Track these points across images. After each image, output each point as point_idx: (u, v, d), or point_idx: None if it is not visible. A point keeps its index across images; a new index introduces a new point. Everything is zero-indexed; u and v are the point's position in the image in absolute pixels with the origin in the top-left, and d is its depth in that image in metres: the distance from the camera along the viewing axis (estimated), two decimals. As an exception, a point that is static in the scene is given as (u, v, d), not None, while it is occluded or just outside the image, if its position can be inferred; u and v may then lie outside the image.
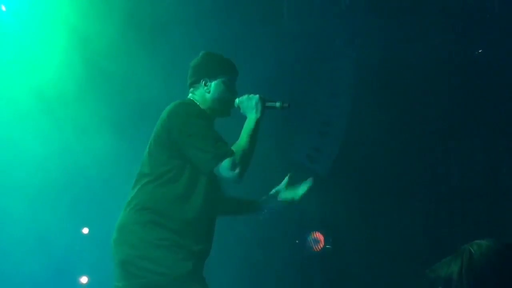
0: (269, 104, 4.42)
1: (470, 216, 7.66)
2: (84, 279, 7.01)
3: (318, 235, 7.73)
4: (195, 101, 4.46)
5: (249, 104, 4.37)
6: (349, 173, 7.79)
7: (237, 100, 4.43)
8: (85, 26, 6.35)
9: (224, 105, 4.46)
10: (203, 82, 4.45)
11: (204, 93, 4.45)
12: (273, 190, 4.76)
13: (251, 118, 4.34)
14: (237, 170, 4.15)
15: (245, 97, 4.41)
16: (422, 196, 7.81)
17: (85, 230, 7.04)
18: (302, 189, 4.67)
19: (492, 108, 7.52)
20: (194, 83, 4.50)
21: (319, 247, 7.73)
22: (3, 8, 6.38)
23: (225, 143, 4.23)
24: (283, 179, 4.77)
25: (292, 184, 4.72)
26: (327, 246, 7.75)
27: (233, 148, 4.20)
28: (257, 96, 4.38)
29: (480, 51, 7.43)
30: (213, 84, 4.44)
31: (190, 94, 4.52)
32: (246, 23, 6.90)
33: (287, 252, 7.71)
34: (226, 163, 4.14)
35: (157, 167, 4.30)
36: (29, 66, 6.41)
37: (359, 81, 7.69)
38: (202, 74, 4.48)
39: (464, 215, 7.68)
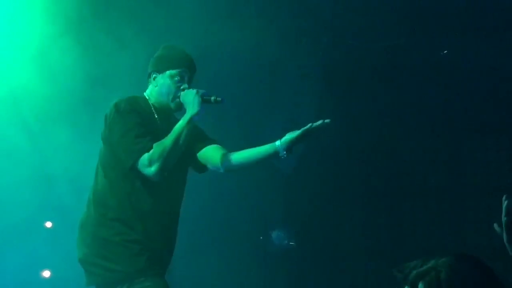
0: (205, 98, 4.20)
1: (433, 213, 7.74)
2: (46, 273, 6.97)
3: (282, 232, 7.76)
4: (146, 95, 4.37)
5: (187, 99, 4.21)
6: (313, 171, 7.83)
7: (181, 96, 4.27)
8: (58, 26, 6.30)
9: (170, 100, 4.30)
10: (153, 76, 4.35)
11: (152, 87, 4.35)
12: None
13: (187, 113, 4.16)
14: (153, 167, 4.03)
15: (184, 92, 4.26)
16: (386, 193, 7.87)
17: (48, 224, 7.00)
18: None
19: (457, 108, 7.60)
20: (147, 77, 4.41)
21: (282, 243, 7.76)
22: None
23: (148, 139, 4.09)
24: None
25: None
26: (291, 243, 7.79)
27: (155, 144, 4.07)
28: (194, 90, 4.21)
29: (445, 51, 7.49)
30: (159, 77, 4.32)
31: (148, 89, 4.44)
32: (213, 19, 6.89)
33: (251, 248, 7.73)
34: (143, 159, 4.04)
35: (106, 162, 4.24)
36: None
37: (325, 79, 7.73)
38: (151, 68, 4.38)
39: (427, 212, 7.76)
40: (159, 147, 4.06)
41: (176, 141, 4.09)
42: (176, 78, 4.30)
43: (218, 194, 7.02)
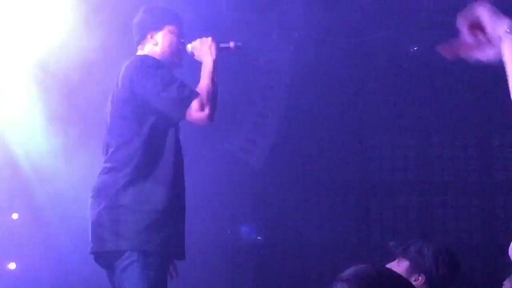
0: (222, 45, 4.38)
1: (401, 212, 7.78)
2: (12, 265, 6.91)
3: (250, 227, 7.75)
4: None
5: (202, 48, 4.31)
6: (283, 165, 7.82)
7: (189, 46, 4.36)
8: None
9: (175, 55, 4.38)
10: (149, 36, 4.36)
11: (152, 46, 4.36)
12: None
13: (207, 60, 4.28)
14: (206, 110, 4.10)
15: (197, 41, 4.35)
16: (355, 188, 7.90)
17: (15, 216, 6.93)
18: None
19: (427, 105, 7.64)
20: (141, 39, 4.40)
21: (250, 238, 7.75)
22: None
23: (189, 86, 4.14)
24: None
25: None
26: (258, 238, 7.78)
27: (197, 90, 4.14)
28: (209, 38, 4.33)
29: (415, 48, 7.51)
30: (159, 35, 4.35)
31: (139, 51, 4.41)
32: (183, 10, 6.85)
33: (219, 242, 7.70)
34: (194, 104, 4.08)
35: (127, 129, 4.17)
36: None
37: (296, 74, 7.72)
38: (147, 28, 4.38)
39: (395, 210, 7.80)
40: (203, 91, 4.14)
41: (214, 84, 4.21)
42: (175, 32, 4.37)
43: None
